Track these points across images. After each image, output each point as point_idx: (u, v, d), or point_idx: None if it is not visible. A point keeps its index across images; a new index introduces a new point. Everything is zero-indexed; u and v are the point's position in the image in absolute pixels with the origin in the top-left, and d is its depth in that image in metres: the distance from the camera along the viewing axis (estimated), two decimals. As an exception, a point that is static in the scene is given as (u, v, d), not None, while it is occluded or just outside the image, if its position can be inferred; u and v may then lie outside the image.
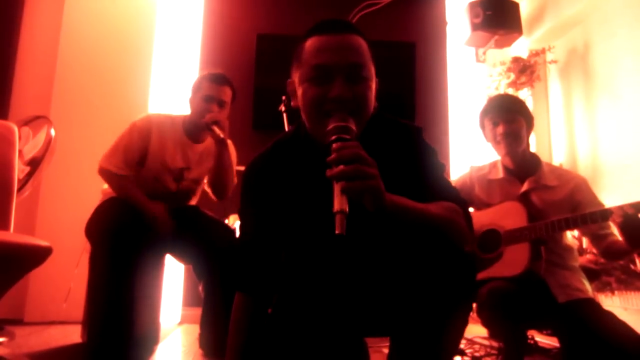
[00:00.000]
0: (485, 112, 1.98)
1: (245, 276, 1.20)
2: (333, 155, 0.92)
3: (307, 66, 1.10)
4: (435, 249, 1.00)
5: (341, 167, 0.89)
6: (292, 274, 1.22)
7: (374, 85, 1.12)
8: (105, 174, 2.16)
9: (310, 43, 1.12)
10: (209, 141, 2.29)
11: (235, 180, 2.32)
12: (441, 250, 1.01)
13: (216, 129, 2.13)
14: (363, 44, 1.12)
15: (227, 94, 2.24)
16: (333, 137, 0.97)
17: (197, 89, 2.24)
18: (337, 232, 0.84)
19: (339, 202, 0.87)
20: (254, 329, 1.17)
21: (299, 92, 1.12)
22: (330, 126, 1.00)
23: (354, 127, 1.01)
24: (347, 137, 0.97)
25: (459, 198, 1.13)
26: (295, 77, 1.15)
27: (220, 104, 2.21)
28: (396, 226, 0.99)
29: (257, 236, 1.21)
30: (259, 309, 1.19)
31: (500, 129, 1.90)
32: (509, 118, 1.90)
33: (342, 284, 1.16)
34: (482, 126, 2.02)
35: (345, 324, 1.20)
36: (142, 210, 2.05)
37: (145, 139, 2.17)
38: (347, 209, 0.87)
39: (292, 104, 1.18)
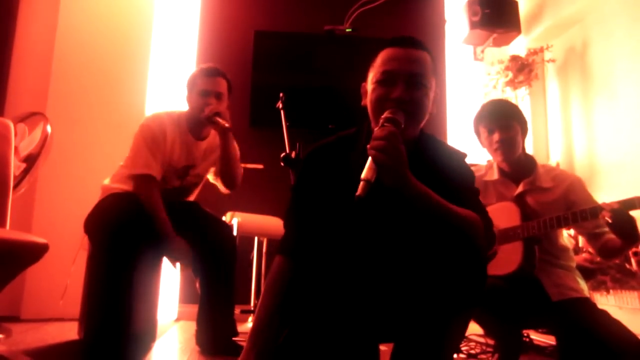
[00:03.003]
0: (480, 119, 1.96)
1: (289, 241, 1.34)
2: (373, 135, 1.11)
3: (377, 71, 1.28)
4: (450, 245, 1.11)
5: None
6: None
7: (432, 95, 1.30)
8: (139, 179, 2.10)
9: (384, 53, 1.30)
10: (211, 137, 2.29)
11: (242, 171, 2.33)
12: (456, 248, 1.10)
13: (219, 120, 2.12)
14: (427, 58, 1.30)
15: (222, 85, 2.23)
16: (379, 126, 1.15)
17: (192, 85, 2.23)
18: (357, 193, 1.02)
19: (366, 172, 1.05)
20: (287, 292, 1.29)
21: (369, 91, 1.31)
22: (382, 117, 1.17)
23: (400, 119, 1.17)
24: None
25: (485, 215, 1.25)
26: (368, 79, 1.34)
27: (218, 96, 2.20)
28: (414, 208, 1.12)
29: (304, 212, 1.36)
30: (296, 275, 1.31)
31: (496, 137, 1.88)
32: (504, 124, 1.88)
33: (361, 278, 1.24)
34: (477, 132, 2.01)
35: (361, 328, 1.25)
36: (164, 238, 2.05)
37: (162, 139, 2.14)
38: (373, 180, 1.04)
39: (362, 103, 1.36)
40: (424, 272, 1.11)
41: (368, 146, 1.08)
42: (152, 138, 2.12)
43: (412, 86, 1.24)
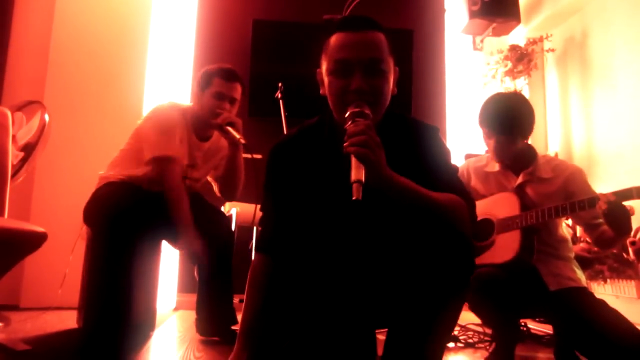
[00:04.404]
0: (483, 119, 1.88)
1: (267, 238, 1.32)
2: (347, 132, 1.05)
3: (331, 60, 1.20)
4: (435, 234, 1.09)
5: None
6: (308, 243, 1.30)
7: (391, 77, 1.23)
8: (164, 162, 2.02)
9: (334, 39, 1.21)
10: (214, 139, 2.25)
11: (243, 184, 2.28)
12: (441, 235, 1.09)
13: (232, 131, 2.07)
14: (382, 39, 1.20)
15: (238, 90, 2.18)
16: (349, 122, 1.09)
17: (206, 84, 2.14)
18: (353, 197, 0.95)
19: (355, 173, 0.98)
20: (270, 290, 1.28)
21: (325, 82, 1.24)
22: (347, 112, 1.12)
23: (368, 112, 1.12)
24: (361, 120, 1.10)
25: (467, 195, 1.21)
26: (322, 68, 1.26)
27: (232, 101, 2.15)
28: (396, 203, 1.09)
29: (279, 207, 1.32)
30: (276, 272, 1.29)
31: (492, 143, 1.85)
32: (504, 132, 1.81)
33: (352, 265, 1.23)
34: (481, 125, 1.93)
35: (355, 317, 1.25)
36: (180, 230, 2.01)
37: (174, 131, 2.08)
38: (363, 179, 0.98)
39: (320, 92, 1.28)
40: (412, 260, 1.10)
41: (345, 144, 1.02)
42: (167, 120, 2.08)
43: (370, 74, 1.17)
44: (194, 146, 2.20)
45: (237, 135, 2.09)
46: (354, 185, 0.97)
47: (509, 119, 1.81)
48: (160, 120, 2.10)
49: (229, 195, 2.28)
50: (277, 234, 1.31)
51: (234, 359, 1.21)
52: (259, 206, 2.84)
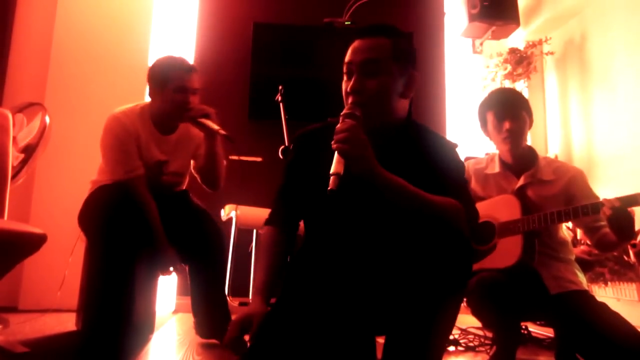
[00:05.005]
0: (489, 106, 1.93)
1: (275, 213, 1.41)
2: (335, 131, 1.13)
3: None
4: (432, 235, 1.10)
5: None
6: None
7: (393, 80, 1.27)
8: (128, 182, 2.03)
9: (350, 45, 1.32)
10: (182, 129, 2.20)
11: (224, 172, 2.25)
12: (438, 236, 1.10)
13: (209, 123, 2.05)
14: (384, 43, 1.27)
15: (197, 80, 2.13)
16: (340, 122, 1.18)
17: (165, 80, 2.08)
18: (329, 188, 1.05)
19: (335, 167, 1.08)
20: (282, 254, 1.33)
21: None
22: (341, 115, 1.20)
23: (358, 114, 1.19)
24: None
25: (470, 205, 1.25)
26: None
27: (194, 92, 2.11)
28: (392, 203, 1.14)
29: (291, 185, 1.41)
30: (287, 243, 1.36)
31: (506, 125, 1.86)
32: (515, 114, 1.87)
33: (351, 268, 1.23)
34: (484, 120, 1.97)
35: (352, 320, 1.24)
36: (155, 245, 2.04)
37: (129, 140, 2.06)
38: (342, 172, 1.07)
39: None
40: (408, 261, 1.11)
41: (332, 142, 1.10)
42: (120, 142, 2.05)
43: (366, 75, 1.25)
44: (161, 141, 2.16)
45: (216, 127, 2.05)
46: (331, 178, 1.06)
47: (516, 98, 1.93)
48: (113, 143, 2.06)
49: (212, 185, 2.25)
50: (289, 214, 1.39)
51: (250, 310, 1.19)
52: (260, 209, 2.85)
